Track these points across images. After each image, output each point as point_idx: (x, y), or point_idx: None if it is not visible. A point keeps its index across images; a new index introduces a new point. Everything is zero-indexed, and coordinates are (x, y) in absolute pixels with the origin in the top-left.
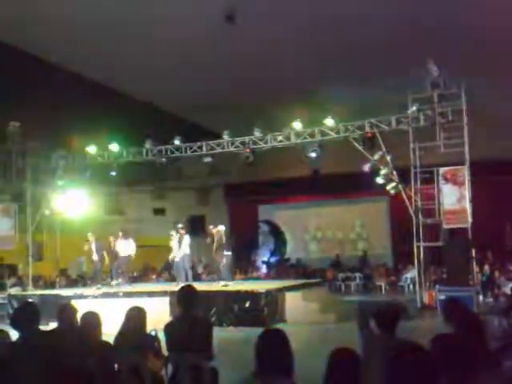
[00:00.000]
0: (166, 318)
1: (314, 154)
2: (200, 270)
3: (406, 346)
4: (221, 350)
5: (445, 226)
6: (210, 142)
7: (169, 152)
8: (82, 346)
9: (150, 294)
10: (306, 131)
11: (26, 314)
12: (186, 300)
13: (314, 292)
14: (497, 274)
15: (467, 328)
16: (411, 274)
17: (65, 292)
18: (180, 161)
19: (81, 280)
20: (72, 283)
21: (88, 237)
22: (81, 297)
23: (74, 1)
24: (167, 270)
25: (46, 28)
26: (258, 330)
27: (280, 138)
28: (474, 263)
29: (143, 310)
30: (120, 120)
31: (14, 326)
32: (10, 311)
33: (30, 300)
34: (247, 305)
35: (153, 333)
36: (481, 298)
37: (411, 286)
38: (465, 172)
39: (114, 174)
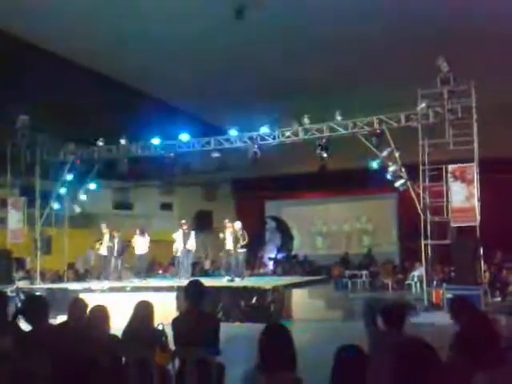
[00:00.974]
0: (173, 312)
1: (324, 155)
2: (207, 265)
3: (413, 343)
4: (227, 345)
5: (453, 224)
6: (218, 138)
7: (177, 147)
8: (91, 339)
9: (157, 289)
10: (314, 127)
11: (35, 307)
12: (193, 295)
13: (321, 289)
14: (505, 272)
15: (474, 327)
16: (418, 272)
17: (72, 286)
18: (188, 156)
19: (88, 274)
20: (80, 277)
21: (102, 229)
22: (88, 291)
23: None
24: (173, 265)
25: (58, 22)
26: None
27: (288, 133)
28: (482, 262)
29: (151, 305)
30: (129, 114)
31: (25, 318)
32: (19, 304)
33: (38, 293)
34: (254, 301)
35: (160, 327)
36: (488, 297)
37: (418, 284)
38: (474, 170)
39: (125, 167)
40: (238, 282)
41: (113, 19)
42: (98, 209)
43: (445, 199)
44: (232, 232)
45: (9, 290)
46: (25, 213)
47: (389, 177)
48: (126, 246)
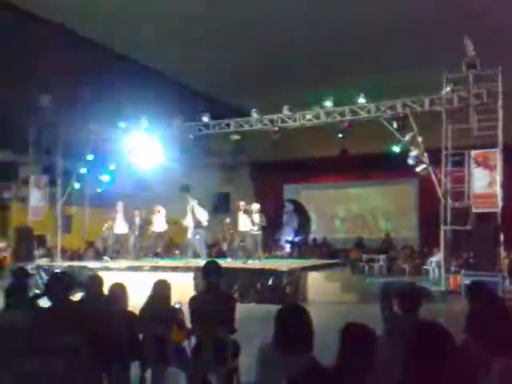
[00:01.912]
0: (190, 292)
1: (341, 136)
2: (225, 247)
3: (428, 327)
4: (243, 324)
5: (474, 210)
6: (238, 120)
7: (196, 129)
8: (109, 316)
9: (175, 269)
10: (337, 110)
11: (59, 284)
12: (210, 275)
13: (337, 272)
14: None
15: (491, 312)
16: (437, 257)
17: (92, 264)
18: (207, 138)
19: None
20: (99, 256)
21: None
22: (107, 269)
23: None
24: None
25: (82, 2)
26: None
27: (309, 116)
28: (502, 248)
29: (169, 284)
30: (149, 96)
31: (47, 295)
32: (39, 281)
33: (63, 270)
34: (270, 283)
35: (177, 306)
36: (507, 283)
37: (436, 270)
38: (497, 156)
39: None
40: (255, 264)
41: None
42: (117, 189)
43: (466, 185)
44: (249, 213)
45: (30, 267)
46: (46, 191)
47: (410, 161)
48: (146, 225)
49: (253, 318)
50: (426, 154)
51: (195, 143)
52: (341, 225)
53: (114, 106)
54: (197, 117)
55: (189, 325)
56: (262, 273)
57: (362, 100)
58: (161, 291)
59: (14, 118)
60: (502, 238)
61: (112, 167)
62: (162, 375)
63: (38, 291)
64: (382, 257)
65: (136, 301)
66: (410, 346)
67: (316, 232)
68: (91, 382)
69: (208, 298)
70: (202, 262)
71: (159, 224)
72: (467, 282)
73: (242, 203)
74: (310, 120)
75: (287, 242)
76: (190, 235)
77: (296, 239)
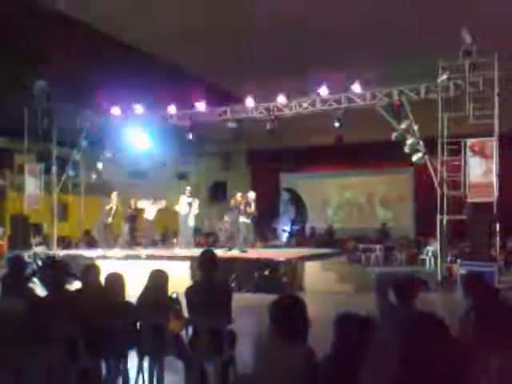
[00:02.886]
0: (187, 281)
1: (337, 124)
2: (222, 236)
3: (424, 318)
4: (239, 314)
5: (469, 200)
6: (235, 107)
7: (193, 116)
8: (106, 305)
9: (171, 258)
10: (332, 97)
11: (53, 272)
12: (206, 265)
13: (334, 262)
14: None
15: (486, 303)
16: (433, 247)
17: (88, 253)
18: (204, 125)
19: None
20: (95, 244)
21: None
22: (104, 258)
23: None
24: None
25: None
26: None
27: (305, 104)
28: (498, 238)
29: (165, 273)
30: (145, 82)
31: (42, 283)
32: (35, 269)
33: (59, 259)
34: (267, 272)
35: (174, 295)
36: (503, 274)
37: (432, 260)
38: (493, 144)
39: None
40: (251, 254)
41: None
42: (113, 177)
43: (462, 174)
44: (241, 202)
45: (26, 255)
46: (42, 179)
47: (406, 150)
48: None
49: (249, 308)
50: (421, 143)
51: (191, 131)
52: (337, 214)
53: (109, 92)
54: (193, 104)
55: (186, 314)
56: (259, 262)
57: (357, 88)
58: (157, 281)
59: (9, 104)
60: (497, 227)
61: (108, 155)
62: (160, 364)
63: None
64: (379, 246)
65: (133, 290)
66: (406, 337)
67: (312, 221)
68: (89, 370)
69: (204, 288)
70: (198, 252)
71: (151, 212)
72: (463, 271)
73: (238, 194)
74: (306, 108)
75: (284, 231)
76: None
77: (293, 229)
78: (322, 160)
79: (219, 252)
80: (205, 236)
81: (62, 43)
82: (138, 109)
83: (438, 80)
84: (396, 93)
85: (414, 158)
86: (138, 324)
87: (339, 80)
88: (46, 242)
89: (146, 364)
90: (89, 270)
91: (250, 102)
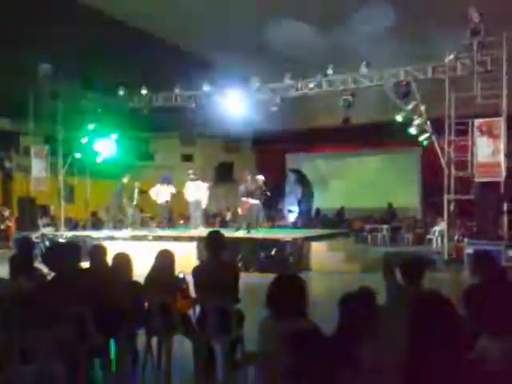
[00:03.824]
0: (194, 261)
1: (344, 105)
2: (228, 216)
3: (431, 297)
4: (246, 294)
5: (477, 179)
6: (240, 89)
7: (198, 98)
8: (114, 285)
9: (178, 239)
10: (338, 78)
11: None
12: (213, 245)
13: (340, 242)
14: None
15: (493, 281)
16: (440, 226)
17: (95, 233)
18: (209, 107)
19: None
20: (102, 226)
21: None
22: (111, 239)
23: None
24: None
25: None
26: None
27: (311, 85)
28: (506, 217)
29: (172, 253)
30: (150, 64)
31: (48, 263)
32: (43, 250)
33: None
34: (273, 252)
35: (181, 275)
36: (510, 252)
37: (439, 239)
38: (501, 124)
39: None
40: (258, 234)
41: None
42: (119, 159)
43: (470, 154)
44: (254, 184)
45: (34, 236)
46: (48, 161)
47: (413, 131)
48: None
49: (256, 288)
50: (428, 123)
51: (197, 112)
52: (343, 195)
53: (114, 73)
54: (198, 85)
55: (193, 294)
56: (265, 243)
57: (363, 69)
58: (164, 261)
59: (14, 86)
60: (505, 206)
61: (114, 136)
62: (168, 343)
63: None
64: (385, 226)
65: (140, 270)
66: (414, 317)
67: (318, 202)
68: (98, 349)
69: (211, 268)
70: (205, 232)
71: (164, 195)
72: (470, 250)
73: (246, 173)
74: (312, 89)
75: (290, 211)
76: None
77: (299, 209)
78: (328, 141)
79: (226, 232)
80: (212, 217)
81: (66, 25)
82: (143, 91)
83: (446, 60)
84: (403, 73)
85: (421, 138)
86: (146, 303)
87: None
88: (53, 223)
89: (154, 343)
90: (96, 251)
91: (255, 83)
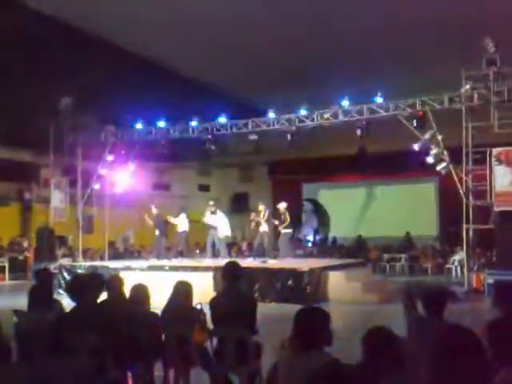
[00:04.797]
0: (210, 292)
1: (360, 135)
2: (244, 246)
3: (456, 331)
4: (264, 325)
5: (496, 209)
6: (256, 120)
7: (214, 129)
8: (132, 316)
9: (195, 269)
10: (354, 108)
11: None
12: (230, 275)
13: (358, 272)
14: None
15: None
16: (459, 256)
17: (113, 264)
18: (225, 138)
19: (128, 253)
20: (119, 256)
21: (152, 210)
22: (128, 269)
23: None
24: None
25: (98, 4)
26: None
27: (327, 115)
28: None
29: (190, 284)
30: (167, 97)
31: (72, 295)
32: (61, 281)
33: (91, 271)
34: (290, 282)
35: (198, 306)
36: None
37: (459, 269)
38: None
39: (164, 151)
40: (275, 264)
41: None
42: (137, 189)
43: (488, 183)
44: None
45: (52, 267)
46: (67, 192)
47: (431, 160)
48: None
49: (274, 318)
50: (446, 152)
51: (213, 143)
52: (360, 224)
53: (133, 107)
54: (214, 117)
55: (210, 325)
56: (282, 272)
57: (379, 99)
58: (182, 292)
59: (36, 119)
60: None
61: (132, 167)
62: (185, 375)
63: (60, 291)
64: (404, 256)
65: (157, 301)
66: (438, 350)
67: (335, 232)
68: (115, 381)
69: (229, 299)
70: (221, 262)
71: (183, 224)
72: (490, 280)
73: (260, 204)
74: (327, 119)
75: (307, 241)
76: (209, 235)
77: (315, 238)
78: (344, 170)
79: (242, 262)
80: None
81: (87, 60)
82: (161, 123)
83: (462, 90)
84: (419, 103)
85: (439, 167)
86: (163, 335)
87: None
88: (71, 253)
89: (171, 375)
90: (113, 281)
91: (270, 113)
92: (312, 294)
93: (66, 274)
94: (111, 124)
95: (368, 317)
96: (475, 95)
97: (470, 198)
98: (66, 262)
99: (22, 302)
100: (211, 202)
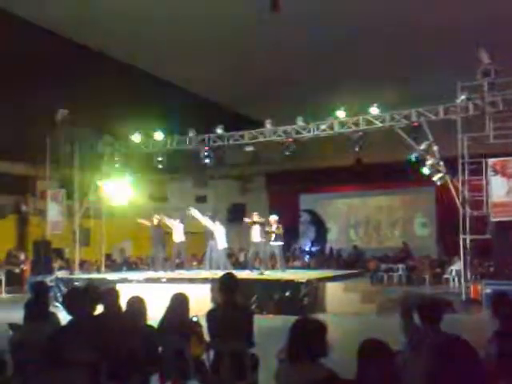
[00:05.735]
0: (207, 304)
1: (356, 146)
2: (241, 258)
3: (453, 342)
4: (261, 337)
5: (492, 219)
6: (253, 131)
7: (211, 141)
8: (129, 329)
9: (192, 281)
10: (350, 120)
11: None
12: (227, 287)
13: (356, 283)
14: None
15: None
16: (457, 266)
17: (110, 276)
18: (222, 149)
19: (125, 265)
20: (116, 268)
21: (154, 219)
22: (125, 281)
23: None
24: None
25: (95, 18)
26: None
27: (323, 127)
28: None
29: (186, 297)
30: (164, 108)
31: (68, 308)
32: (58, 294)
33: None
34: (287, 294)
35: (195, 319)
36: None
37: (456, 279)
38: None
39: (160, 164)
40: (272, 275)
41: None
42: (134, 201)
43: (484, 193)
44: (265, 224)
45: (48, 280)
46: (64, 205)
47: (427, 171)
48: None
49: (271, 331)
50: (442, 163)
51: (210, 155)
52: (357, 235)
53: (129, 118)
54: (211, 129)
55: (207, 338)
56: (280, 284)
57: (375, 110)
58: (179, 304)
59: (31, 131)
60: None
61: (129, 179)
62: None
63: (57, 304)
64: (401, 266)
65: (154, 313)
66: (435, 362)
67: (333, 242)
68: None
69: (226, 311)
70: (219, 274)
71: (178, 235)
72: (488, 291)
73: (254, 214)
74: (324, 130)
75: (304, 252)
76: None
77: (313, 249)
78: (341, 181)
79: (239, 274)
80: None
81: (82, 71)
82: (158, 135)
83: (457, 100)
84: (414, 114)
85: (435, 178)
86: (160, 348)
87: None
88: (68, 266)
89: None
90: (109, 294)
91: (268, 125)
92: (310, 306)
93: (62, 287)
94: (108, 135)
95: (366, 328)
96: (470, 106)
97: (467, 208)
98: (62, 274)
99: (18, 315)
100: (209, 214)
